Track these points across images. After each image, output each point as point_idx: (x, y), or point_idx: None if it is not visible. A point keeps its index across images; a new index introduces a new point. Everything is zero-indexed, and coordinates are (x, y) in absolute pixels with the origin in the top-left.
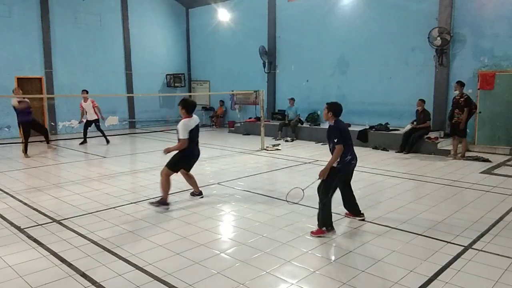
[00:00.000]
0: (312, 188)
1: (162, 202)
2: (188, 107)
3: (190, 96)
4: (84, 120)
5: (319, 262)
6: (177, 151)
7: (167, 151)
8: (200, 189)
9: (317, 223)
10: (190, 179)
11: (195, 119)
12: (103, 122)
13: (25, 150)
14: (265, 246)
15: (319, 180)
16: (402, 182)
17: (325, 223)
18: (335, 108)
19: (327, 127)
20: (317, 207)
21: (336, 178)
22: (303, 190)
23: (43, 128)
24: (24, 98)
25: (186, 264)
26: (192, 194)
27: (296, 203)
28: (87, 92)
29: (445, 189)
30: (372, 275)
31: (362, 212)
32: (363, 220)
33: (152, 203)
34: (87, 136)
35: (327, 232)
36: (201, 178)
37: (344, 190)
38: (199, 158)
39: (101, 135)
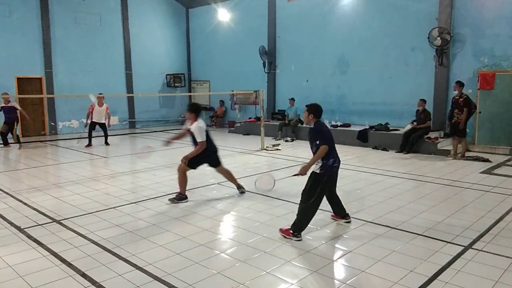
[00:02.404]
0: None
1: (180, 198)
2: (197, 110)
3: (190, 96)
4: (89, 122)
5: (319, 262)
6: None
7: (185, 158)
8: (240, 182)
9: (292, 222)
10: (225, 175)
11: (203, 121)
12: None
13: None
14: (265, 246)
15: (297, 177)
16: (402, 182)
17: (297, 228)
18: (315, 110)
19: (325, 125)
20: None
21: (321, 184)
22: (275, 180)
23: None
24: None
25: (186, 264)
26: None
27: (265, 195)
28: (103, 98)
29: (445, 189)
30: (372, 275)
31: (348, 214)
32: (349, 222)
33: (171, 200)
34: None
35: (293, 237)
36: (201, 178)
37: (328, 194)
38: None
39: (103, 135)
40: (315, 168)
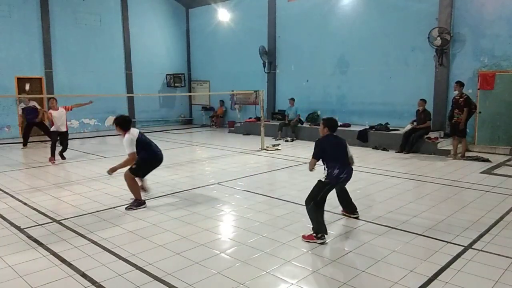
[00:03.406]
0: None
1: (138, 204)
2: (122, 123)
3: (190, 96)
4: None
5: (319, 262)
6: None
7: (112, 170)
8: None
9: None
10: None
11: (135, 131)
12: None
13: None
14: (265, 246)
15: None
16: (402, 182)
17: (316, 229)
18: (331, 124)
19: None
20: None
21: (324, 190)
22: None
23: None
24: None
25: (186, 264)
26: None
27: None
28: (56, 101)
29: (445, 189)
30: (372, 275)
31: (357, 210)
32: (357, 218)
33: (127, 208)
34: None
35: (316, 239)
36: (201, 178)
37: (338, 192)
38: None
39: (63, 147)
40: (322, 176)
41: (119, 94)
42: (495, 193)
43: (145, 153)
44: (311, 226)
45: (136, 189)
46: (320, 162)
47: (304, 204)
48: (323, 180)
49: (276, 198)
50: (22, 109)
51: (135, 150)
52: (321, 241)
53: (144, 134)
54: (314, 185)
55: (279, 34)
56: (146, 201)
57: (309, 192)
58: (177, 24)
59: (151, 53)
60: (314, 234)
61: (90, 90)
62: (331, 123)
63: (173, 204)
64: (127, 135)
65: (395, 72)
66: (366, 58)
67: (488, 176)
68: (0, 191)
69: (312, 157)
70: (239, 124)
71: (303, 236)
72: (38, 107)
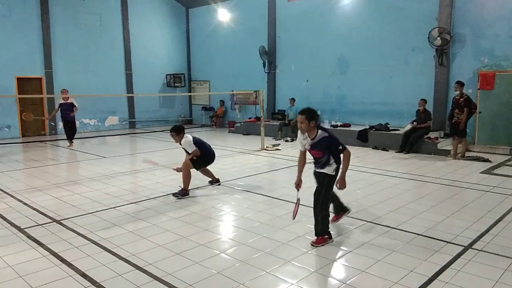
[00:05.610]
0: (312, 188)
1: (183, 193)
2: (177, 131)
3: (190, 96)
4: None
5: (319, 262)
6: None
7: (178, 170)
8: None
9: (314, 232)
10: (206, 172)
11: (189, 135)
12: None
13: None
14: (265, 246)
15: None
16: (402, 182)
17: (326, 230)
18: (314, 114)
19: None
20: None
21: (333, 186)
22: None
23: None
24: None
25: (186, 264)
26: (211, 182)
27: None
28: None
29: (445, 189)
30: (372, 275)
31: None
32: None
33: (174, 194)
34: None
35: (329, 240)
36: (201, 178)
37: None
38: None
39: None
40: (329, 170)
41: (119, 94)
42: (495, 193)
43: (200, 151)
44: (314, 227)
45: (187, 180)
46: (309, 156)
47: (309, 206)
48: (333, 174)
49: (276, 198)
50: (60, 104)
51: (195, 147)
52: (332, 240)
53: (196, 136)
54: (323, 184)
55: (279, 34)
56: (146, 200)
57: (318, 192)
58: (177, 24)
59: (151, 53)
60: (326, 236)
61: (90, 90)
62: (314, 113)
63: (173, 204)
64: (184, 139)
65: (395, 72)
66: (366, 58)
67: (488, 176)
68: (0, 191)
69: (345, 148)
70: (239, 124)
71: (315, 242)
72: (76, 104)
